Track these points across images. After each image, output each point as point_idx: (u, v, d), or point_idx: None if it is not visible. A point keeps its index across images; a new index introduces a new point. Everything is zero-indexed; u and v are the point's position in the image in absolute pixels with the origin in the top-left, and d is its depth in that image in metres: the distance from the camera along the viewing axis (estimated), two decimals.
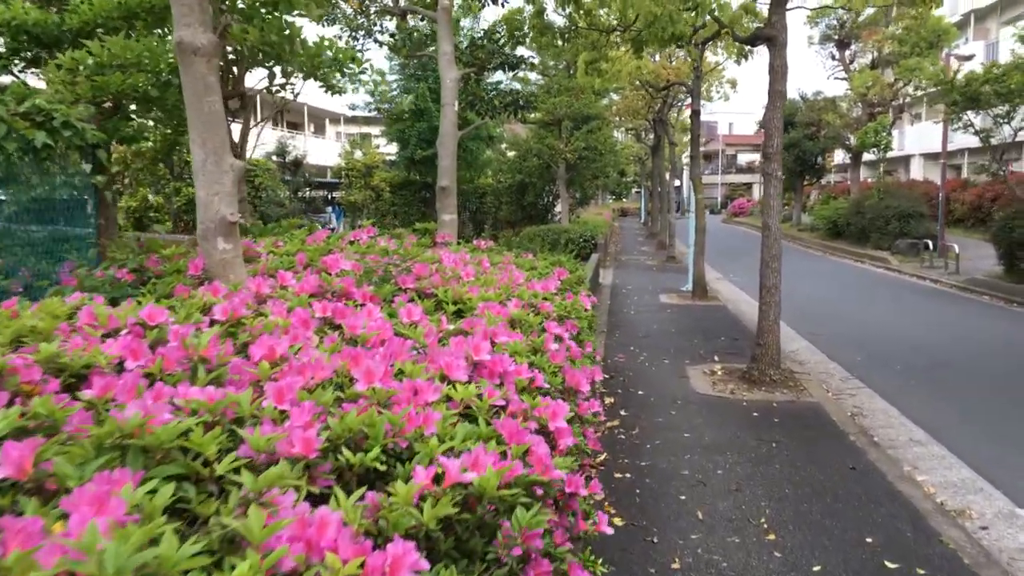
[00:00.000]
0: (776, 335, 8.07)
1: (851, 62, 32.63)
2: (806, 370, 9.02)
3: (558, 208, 25.52)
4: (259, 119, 9.82)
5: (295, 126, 45.81)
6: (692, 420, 6.73)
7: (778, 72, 8.08)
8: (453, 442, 1.81)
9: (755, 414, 6.90)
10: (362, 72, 8.70)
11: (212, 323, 2.66)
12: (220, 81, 4.16)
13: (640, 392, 7.67)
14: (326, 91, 8.40)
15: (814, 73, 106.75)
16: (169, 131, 8.49)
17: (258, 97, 9.86)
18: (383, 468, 1.65)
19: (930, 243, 20.74)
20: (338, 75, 8.09)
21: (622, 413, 6.90)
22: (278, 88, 8.19)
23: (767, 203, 8.16)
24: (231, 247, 3.99)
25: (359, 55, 8.24)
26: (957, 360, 9.42)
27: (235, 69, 7.84)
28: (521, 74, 23.39)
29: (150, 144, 9.60)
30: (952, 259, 18.45)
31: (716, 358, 9.34)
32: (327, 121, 47.21)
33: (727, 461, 5.68)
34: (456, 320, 3.53)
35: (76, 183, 5.80)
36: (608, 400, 7.29)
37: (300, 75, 7.89)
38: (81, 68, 6.34)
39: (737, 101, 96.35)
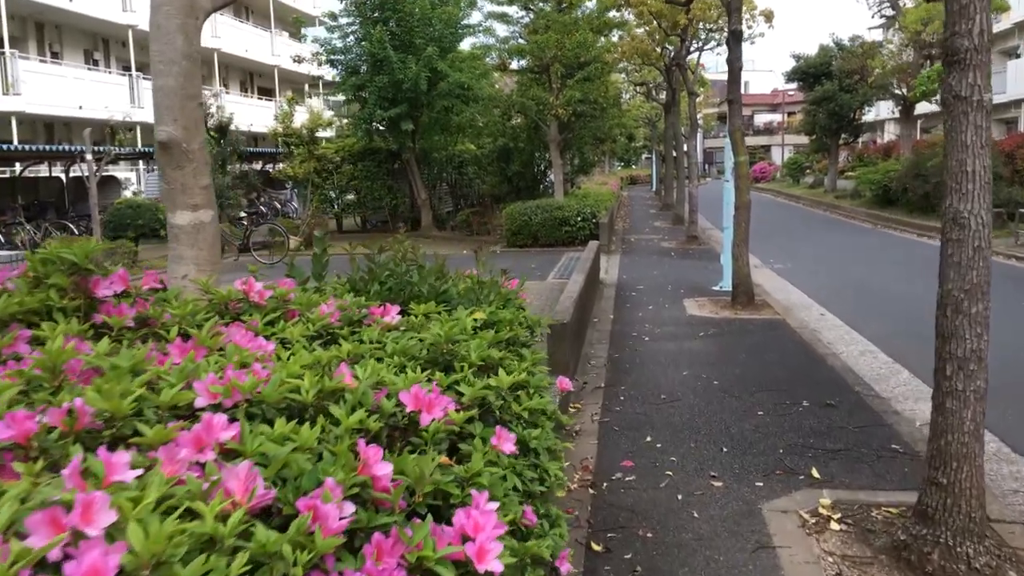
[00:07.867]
0: (978, 467, 3.58)
1: None
2: (990, 490, 4.54)
3: (551, 178, 20.91)
4: None
5: (267, 92, 41.07)
6: None
7: None
8: None
9: None
10: None
11: None
12: None
13: None
14: None
15: (851, 19, 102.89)
16: None
17: None
18: None
19: None
20: None
21: None
22: None
23: (956, 166, 3.56)
24: None
25: None
26: None
27: None
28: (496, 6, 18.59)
29: None
30: None
31: (815, 470, 4.82)
32: (306, 87, 42.51)
33: None
34: None
35: None
36: None
37: None
38: None
39: (753, 54, 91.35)
